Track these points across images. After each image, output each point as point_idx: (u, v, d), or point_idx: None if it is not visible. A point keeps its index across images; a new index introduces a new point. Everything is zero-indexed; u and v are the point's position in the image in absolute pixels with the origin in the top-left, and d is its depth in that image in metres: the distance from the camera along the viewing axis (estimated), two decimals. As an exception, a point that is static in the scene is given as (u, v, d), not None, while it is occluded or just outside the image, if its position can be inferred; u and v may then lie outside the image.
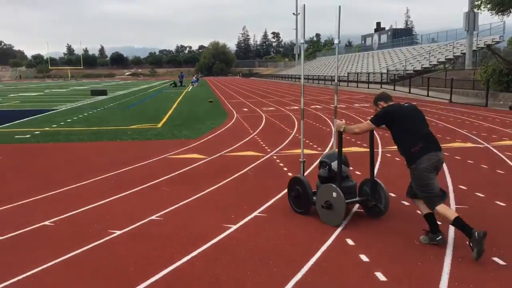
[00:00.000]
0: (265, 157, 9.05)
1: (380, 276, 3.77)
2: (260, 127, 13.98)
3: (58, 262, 4.11)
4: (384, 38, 66.60)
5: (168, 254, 4.25)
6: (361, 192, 5.39)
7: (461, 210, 5.29)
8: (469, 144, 10.29)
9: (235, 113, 18.94)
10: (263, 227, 5.00)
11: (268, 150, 9.87)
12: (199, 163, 8.60)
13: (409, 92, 27.44)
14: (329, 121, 15.20)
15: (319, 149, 9.89)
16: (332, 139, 10.97)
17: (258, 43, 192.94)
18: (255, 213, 5.47)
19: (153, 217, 5.35)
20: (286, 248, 4.39)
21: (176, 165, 8.36)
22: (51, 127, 14.51)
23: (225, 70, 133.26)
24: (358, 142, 10.50)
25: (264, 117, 17.21)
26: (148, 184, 6.95)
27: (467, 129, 12.60)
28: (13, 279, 3.80)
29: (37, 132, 13.19)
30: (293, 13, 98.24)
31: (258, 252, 4.28)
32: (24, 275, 3.86)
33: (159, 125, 14.83)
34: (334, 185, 4.93)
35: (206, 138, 11.85)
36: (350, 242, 4.51)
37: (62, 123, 15.64)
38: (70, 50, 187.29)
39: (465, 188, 6.51)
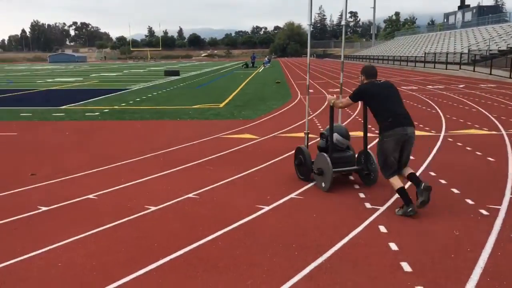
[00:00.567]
0: (317, 139, 8.84)
1: (406, 266, 3.55)
2: (321, 109, 13.70)
3: (89, 235, 4.28)
4: (468, 16, 62.54)
5: (194, 232, 4.28)
6: (358, 162, 5.77)
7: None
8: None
9: (299, 94, 18.72)
10: (296, 209, 4.90)
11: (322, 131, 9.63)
12: (249, 143, 8.59)
13: (490, 74, 25.62)
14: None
15: (377, 132, 9.52)
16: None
17: (335, 23, 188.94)
18: (292, 195, 5.36)
19: (190, 195, 5.41)
20: (313, 232, 4.26)
21: (226, 145, 8.41)
22: (120, 105, 15.16)
23: (299, 51, 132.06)
24: (421, 126, 9.99)
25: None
26: (194, 163, 7.05)
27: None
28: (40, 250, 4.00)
29: (106, 110, 13.84)
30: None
31: (283, 235, 4.20)
32: (52, 246, 4.05)
33: (221, 105, 14.99)
34: (325, 155, 5.47)
35: (264, 119, 11.81)
36: (382, 229, 4.29)
37: (131, 102, 16.30)
38: (151, 32, 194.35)
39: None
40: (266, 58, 57.71)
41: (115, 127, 10.97)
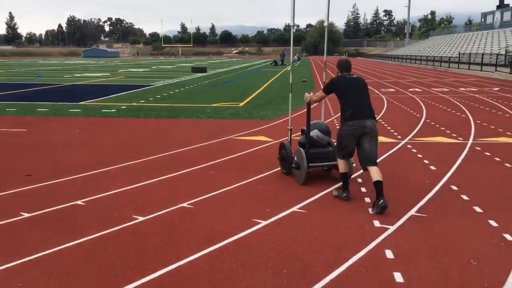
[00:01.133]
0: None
1: (410, 304, 3.04)
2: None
3: (63, 249, 3.92)
4: (507, 15, 60.08)
5: (176, 250, 3.86)
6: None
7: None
8: None
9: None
10: (296, 225, 4.42)
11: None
12: (261, 146, 8.15)
13: (528, 76, 24.37)
14: (423, 106, 13.84)
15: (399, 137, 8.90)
16: (416, 129, 9.90)
17: (368, 21, 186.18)
18: (294, 208, 4.89)
19: (184, 204, 5.01)
20: (309, 255, 3.78)
21: (237, 147, 7.99)
22: (139, 102, 14.92)
23: (331, 50, 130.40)
24: (447, 132, 9.33)
25: (353, 99, 16.22)
26: (198, 167, 6.65)
27: None
28: (12, 263, 3.66)
29: (123, 107, 13.62)
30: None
31: (275, 258, 3.73)
32: (17, 262, 3.70)
33: (241, 104, 14.57)
34: (302, 150, 5.72)
35: (282, 120, 11.32)
36: (389, 254, 3.78)
37: (151, 98, 16.06)
38: (183, 28, 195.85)
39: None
40: (295, 56, 57.01)
41: (128, 125, 10.69)
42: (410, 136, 8.95)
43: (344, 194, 5.15)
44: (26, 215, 4.71)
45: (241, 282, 3.34)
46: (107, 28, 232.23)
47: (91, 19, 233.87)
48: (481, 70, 31.48)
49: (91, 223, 4.49)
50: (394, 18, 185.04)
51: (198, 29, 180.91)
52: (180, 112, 12.61)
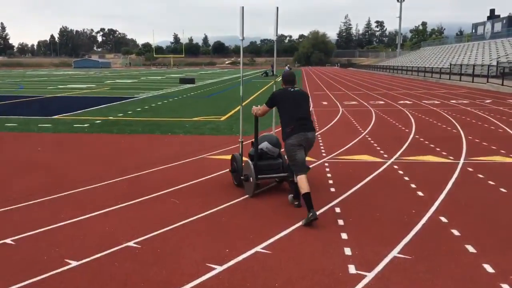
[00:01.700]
0: (315, 164, 7.64)
1: None
2: (330, 124, 12.48)
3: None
4: (498, 26, 60.14)
5: (104, 309, 3.15)
6: (288, 169, 5.63)
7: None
8: None
9: (311, 107, 17.50)
10: (256, 272, 3.72)
11: (324, 154, 8.44)
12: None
13: (521, 88, 23.91)
14: (412, 120, 13.23)
15: (385, 155, 8.24)
16: (404, 147, 9.25)
17: (360, 32, 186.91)
18: (258, 248, 4.19)
19: (130, 243, 4.29)
20: (265, 316, 3.08)
21: (208, 168, 7.30)
22: (117, 116, 14.21)
23: (323, 60, 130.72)
24: (437, 150, 8.69)
25: (341, 112, 15.60)
26: (160, 193, 5.94)
27: None
28: None
29: (98, 121, 12.90)
30: (397, 0, 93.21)
31: (223, 320, 3.03)
32: None
33: (223, 118, 13.89)
34: (250, 162, 5.72)
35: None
36: (363, 315, 3.08)
37: (130, 112, 15.36)
38: (176, 39, 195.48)
39: None
40: (286, 67, 56.60)
41: (97, 142, 9.96)
42: (397, 155, 8.29)
43: (297, 203, 5.26)
44: None
45: None
46: (100, 39, 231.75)
47: (83, 29, 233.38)
48: (473, 82, 31.06)
49: (12, 269, 3.77)
50: (386, 29, 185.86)
51: (191, 39, 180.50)
52: (157, 127, 11.91)
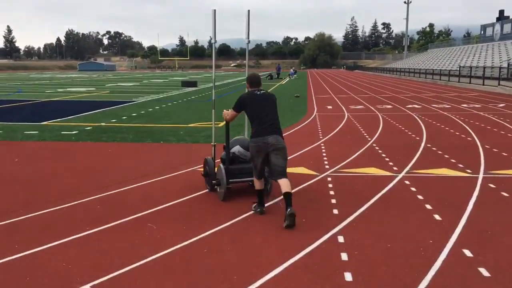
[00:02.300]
0: (317, 178, 6.85)
1: None
2: (334, 131, 11.66)
3: None
4: (507, 28, 58.96)
5: None
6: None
7: None
8: None
9: (315, 111, 16.68)
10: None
11: (327, 166, 7.63)
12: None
13: (534, 91, 22.95)
14: (423, 127, 12.39)
15: (395, 168, 7.41)
16: (416, 157, 8.43)
17: (367, 34, 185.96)
18: (241, 294, 3.39)
19: (86, 287, 3.52)
20: None
21: (195, 183, 6.51)
22: (110, 122, 13.48)
23: (329, 62, 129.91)
24: (452, 161, 7.86)
25: (346, 117, 14.78)
26: (137, 215, 5.17)
27: None
28: None
29: (88, 128, 12.16)
30: (404, 1, 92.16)
31: None
32: None
33: (221, 124, 13.09)
34: (222, 166, 5.67)
35: (262, 144, 9.86)
36: None
37: (124, 117, 14.61)
38: (182, 41, 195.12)
39: None
40: (291, 70, 55.85)
41: (82, 151, 9.21)
42: (408, 168, 7.46)
43: (259, 209, 5.18)
44: None
45: None
46: (105, 42, 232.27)
47: (89, 32, 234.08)
48: (483, 84, 30.09)
49: None
50: (393, 30, 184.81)
51: (196, 42, 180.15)
52: (149, 135, 11.14)
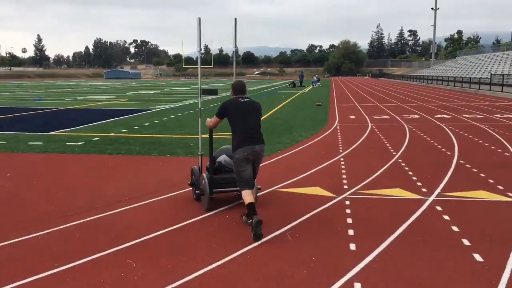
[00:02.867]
0: (333, 201, 5.99)
1: None
2: (356, 144, 10.74)
3: None
4: (540, 34, 56.83)
5: None
6: None
7: None
8: None
9: (337, 121, 15.76)
10: None
11: (345, 186, 6.75)
12: (232, 204, 5.87)
13: None
14: (454, 139, 11.35)
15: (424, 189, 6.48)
16: (448, 177, 7.47)
17: (393, 41, 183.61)
18: None
19: None
20: None
21: (190, 206, 5.78)
22: (119, 131, 12.86)
23: (354, 70, 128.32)
24: (491, 181, 6.88)
25: (369, 128, 13.82)
26: (116, 249, 4.41)
27: None
28: None
29: (96, 138, 11.55)
30: (432, 8, 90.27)
31: None
32: None
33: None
34: (205, 175, 5.60)
35: (276, 158, 9.06)
36: None
37: (136, 127, 13.99)
38: (207, 49, 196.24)
39: None
40: (315, 77, 54.88)
41: (80, 166, 8.55)
42: (439, 189, 6.52)
43: (250, 221, 4.80)
44: None
45: None
46: (132, 50, 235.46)
47: (117, 41, 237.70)
48: (516, 93, 28.61)
49: None
50: (419, 38, 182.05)
51: (221, 50, 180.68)
52: (157, 146, 10.45)
